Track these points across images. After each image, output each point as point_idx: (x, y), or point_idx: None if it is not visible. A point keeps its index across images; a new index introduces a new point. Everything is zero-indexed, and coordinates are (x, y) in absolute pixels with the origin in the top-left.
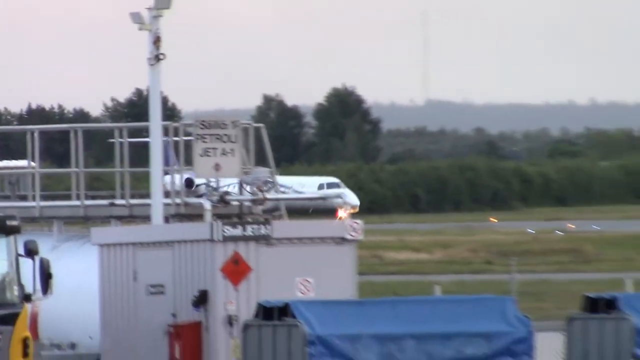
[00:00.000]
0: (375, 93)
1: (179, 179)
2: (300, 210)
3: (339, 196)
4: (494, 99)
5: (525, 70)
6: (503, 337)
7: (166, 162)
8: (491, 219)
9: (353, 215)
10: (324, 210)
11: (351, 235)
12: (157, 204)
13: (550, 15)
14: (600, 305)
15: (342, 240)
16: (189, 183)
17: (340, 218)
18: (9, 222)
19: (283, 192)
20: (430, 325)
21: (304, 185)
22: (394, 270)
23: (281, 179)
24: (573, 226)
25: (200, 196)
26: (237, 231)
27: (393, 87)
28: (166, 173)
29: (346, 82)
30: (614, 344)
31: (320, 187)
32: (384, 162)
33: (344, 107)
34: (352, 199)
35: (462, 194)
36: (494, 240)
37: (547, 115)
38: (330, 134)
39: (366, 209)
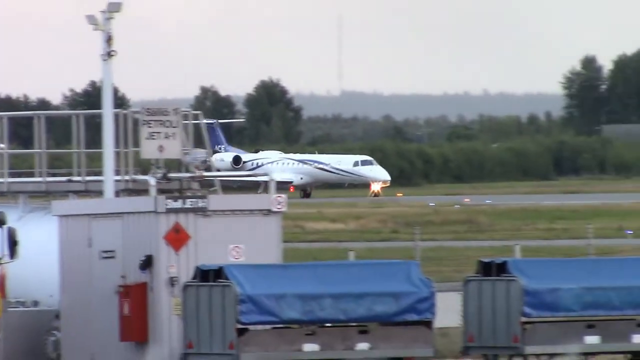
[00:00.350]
0: (297, 85)
1: (227, 157)
2: (336, 184)
3: (266, 174)
4: (400, 89)
5: (427, 65)
6: (408, 297)
7: (217, 142)
8: (397, 194)
9: (280, 191)
10: (359, 184)
11: (277, 207)
12: (108, 180)
13: (447, 15)
14: (492, 269)
15: (269, 212)
16: (236, 160)
17: (373, 191)
18: None
19: (321, 169)
20: (346, 286)
21: (340, 162)
22: (313, 238)
23: (319, 157)
24: (469, 200)
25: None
26: (178, 204)
27: (312, 80)
28: (215, 152)
29: (272, 75)
30: (505, 302)
31: (355, 164)
32: (305, 144)
33: (270, 96)
34: (384, 175)
35: None
36: (400, 212)
37: (445, 104)
38: (259, 120)
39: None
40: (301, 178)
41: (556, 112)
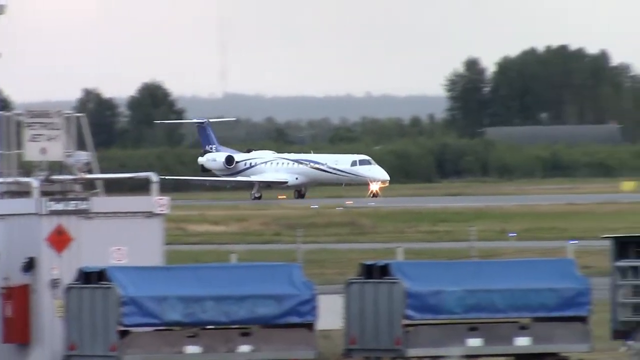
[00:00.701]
0: (179, 87)
1: (220, 157)
2: (335, 183)
3: (148, 177)
4: (282, 92)
5: (309, 67)
6: (290, 299)
7: (208, 141)
8: (280, 196)
9: (161, 194)
10: (357, 184)
11: (159, 209)
12: None
13: (330, 18)
14: (374, 271)
15: (151, 214)
16: (229, 160)
17: (372, 191)
18: None
19: (317, 169)
20: (228, 288)
21: (338, 162)
22: (196, 240)
23: (317, 157)
24: (351, 202)
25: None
26: (61, 206)
27: (195, 82)
28: (205, 152)
29: (155, 78)
30: (387, 305)
31: (353, 163)
32: (188, 147)
33: (153, 99)
34: (383, 174)
35: None
36: (282, 215)
37: (328, 106)
38: (141, 122)
39: (171, 188)
40: (296, 178)
41: (439, 114)
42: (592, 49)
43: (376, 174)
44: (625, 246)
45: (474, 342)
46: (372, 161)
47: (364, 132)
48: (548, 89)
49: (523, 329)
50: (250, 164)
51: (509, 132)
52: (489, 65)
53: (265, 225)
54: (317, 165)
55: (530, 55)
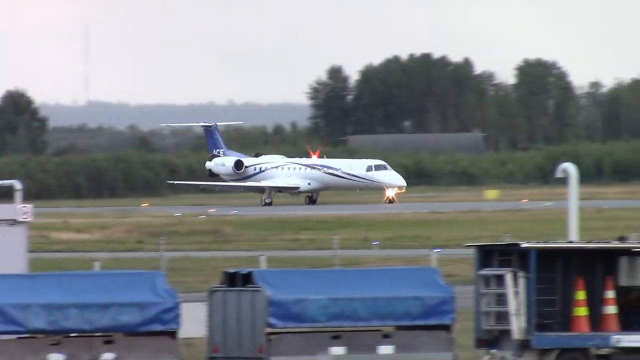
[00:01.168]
0: (43, 94)
1: (228, 161)
2: (350, 189)
3: (12, 185)
4: (145, 100)
5: (173, 75)
6: (153, 307)
7: (216, 145)
8: (143, 204)
9: (25, 202)
10: (373, 189)
11: (22, 217)
12: None
13: (192, 26)
14: (237, 279)
15: (14, 221)
16: (238, 165)
17: (388, 197)
18: None
19: (331, 174)
20: (91, 296)
21: (352, 167)
22: (59, 248)
23: (329, 161)
24: (214, 210)
25: None
26: None
27: (58, 90)
28: (214, 156)
29: (18, 85)
30: (250, 313)
31: (369, 168)
32: (50, 154)
33: (16, 106)
34: (399, 180)
35: (117, 182)
36: (145, 222)
37: (191, 114)
38: (4, 129)
39: (34, 195)
40: (309, 184)
41: (302, 122)
42: (455, 57)
43: (392, 180)
44: (488, 255)
45: (337, 351)
46: (388, 166)
47: (227, 140)
48: (411, 97)
49: (386, 337)
50: (260, 168)
51: (372, 140)
52: (352, 73)
53: (128, 233)
54: (330, 171)
55: (393, 64)
